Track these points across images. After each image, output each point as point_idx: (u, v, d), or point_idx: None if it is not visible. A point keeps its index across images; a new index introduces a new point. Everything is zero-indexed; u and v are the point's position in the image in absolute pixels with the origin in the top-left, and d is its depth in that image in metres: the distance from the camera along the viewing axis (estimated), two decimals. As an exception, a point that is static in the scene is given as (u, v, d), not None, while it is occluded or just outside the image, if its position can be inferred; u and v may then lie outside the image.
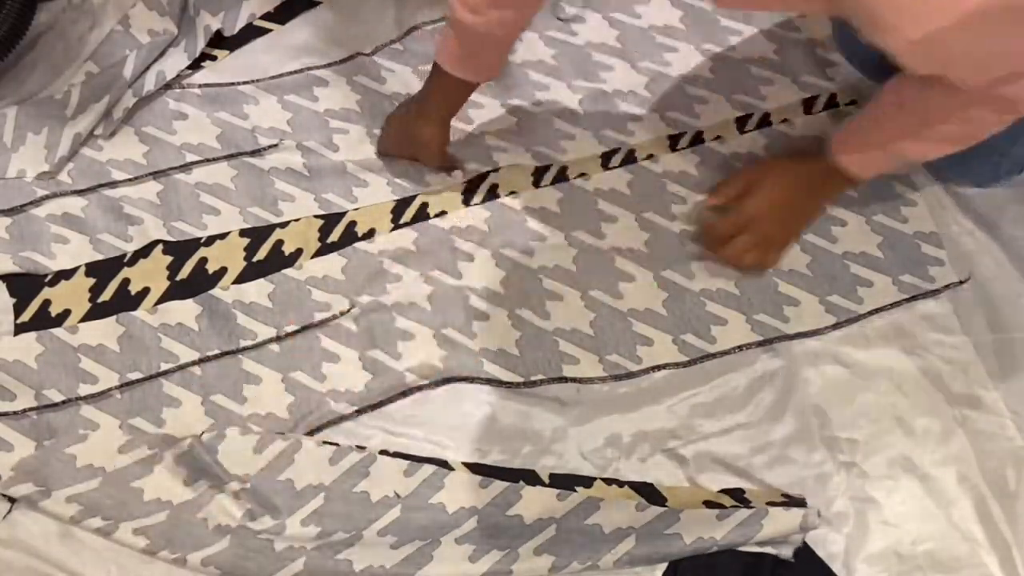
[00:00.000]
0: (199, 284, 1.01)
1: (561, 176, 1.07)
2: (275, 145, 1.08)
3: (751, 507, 0.88)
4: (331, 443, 0.93)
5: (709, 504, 0.89)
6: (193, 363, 0.97)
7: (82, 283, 1.01)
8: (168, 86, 1.12)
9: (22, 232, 1.03)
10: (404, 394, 0.96)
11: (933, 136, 0.82)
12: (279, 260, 1.03)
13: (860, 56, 1.04)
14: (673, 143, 1.08)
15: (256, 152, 1.08)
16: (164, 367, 0.96)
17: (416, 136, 1.02)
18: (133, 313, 0.99)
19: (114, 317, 0.99)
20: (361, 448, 0.93)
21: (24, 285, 1.01)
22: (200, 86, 1.12)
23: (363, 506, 0.90)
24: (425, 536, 0.88)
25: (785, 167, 0.98)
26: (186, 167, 1.07)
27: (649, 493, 0.90)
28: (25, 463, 0.91)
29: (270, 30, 1.17)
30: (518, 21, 0.90)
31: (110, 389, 0.96)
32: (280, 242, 1.03)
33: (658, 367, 0.97)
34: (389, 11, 1.19)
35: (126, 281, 1.01)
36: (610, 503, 0.88)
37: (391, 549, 0.88)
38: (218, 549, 0.88)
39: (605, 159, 1.07)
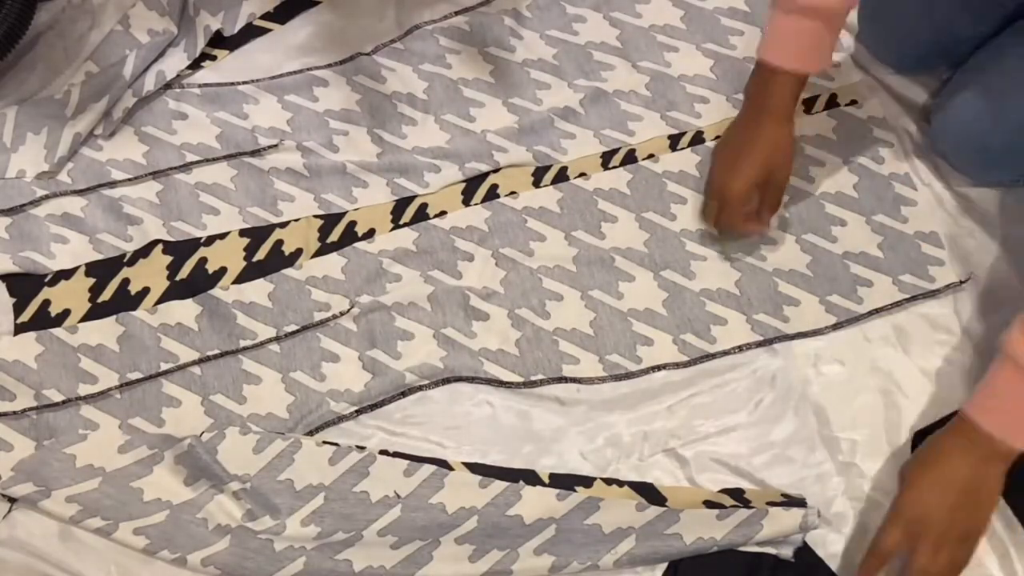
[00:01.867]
0: (199, 284, 1.01)
1: (561, 176, 1.07)
2: (275, 145, 1.08)
3: (751, 507, 0.88)
4: (331, 443, 0.93)
5: (709, 504, 0.89)
6: (193, 363, 0.97)
7: (82, 283, 1.01)
8: (168, 86, 1.12)
9: (22, 232, 1.03)
10: (404, 394, 0.96)
11: None
12: (279, 260, 1.03)
13: (891, 48, 1.07)
14: (673, 143, 1.08)
15: (256, 152, 1.08)
16: (164, 367, 0.96)
17: (778, 142, 0.93)
18: (133, 313, 0.99)
19: (114, 317, 0.99)
20: (361, 448, 0.93)
21: (24, 285, 1.01)
22: (200, 86, 1.12)
23: (363, 506, 0.90)
24: (425, 536, 0.88)
25: (935, 478, 0.80)
26: (186, 167, 1.07)
27: (649, 493, 0.90)
28: (25, 463, 0.91)
29: (270, 30, 1.17)
30: None
31: (110, 389, 0.96)
32: (280, 242, 1.03)
33: (658, 367, 0.97)
34: (389, 10, 1.19)
35: (126, 281, 1.01)
36: (610, 503, 0.88)
37: (391, 549, 0.88)
38: (218, 549, 0.88)
39: (605, 159, 1.07)
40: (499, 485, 0.90)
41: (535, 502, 0.89)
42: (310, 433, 0.94)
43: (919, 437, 0.93)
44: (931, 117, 1.04)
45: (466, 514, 0.89)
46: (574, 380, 0.96)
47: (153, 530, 0.88)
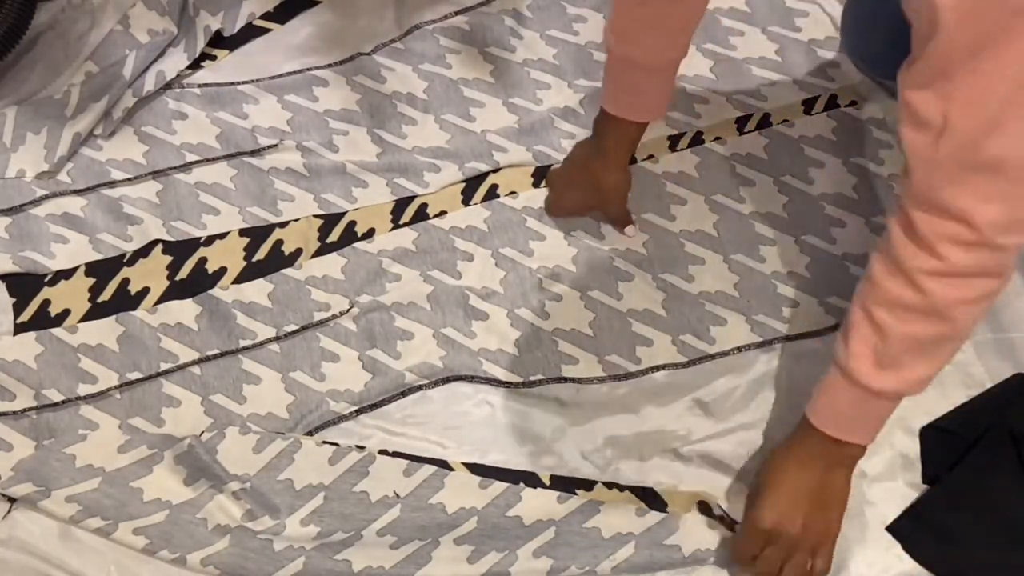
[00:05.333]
0: (199, 284, 1.01)
1: (561, 176, 1.07)
2: (275, 145, 1.08)
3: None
4: (331, 443, 0.93)
5: (711, 512, 0.89)
6: (193, 363, 0.97)
7: (82, 283, 1.01)
8: (168, 86, 1.12)
9: (21, 232, 1.03)
10: (404, 394, 0.96)
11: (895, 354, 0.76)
12: (279, 260, 1.03)
13: (869, 53, 1.06)
14: (673, 143, 1.08)
15: (256, 152, 1.08)
16: (164, 367, 0.96)
17: (601, 185, 0.99)
18: (133, 313, 0.99)
19: (114, 317, 0.99)
20: (361, 448, 0.93)
21: (24, 285, 1.01)
22: (200, 86, 1.12)
23: (362, 506, 0.90)
24: (424, 536, 0.88)
25: (784, 476, 0.83)
26: (186, 167, 1.07)
27: (650, 498, 0.90)
28: (25, 463, 0.91)
29: (270, 30, 1.17)
30: (668, 49, 0.87)
31: (110, 389, 0.96)
32: (280, 242, 1.03)
33: (657, 368, 0.97)
34: (389, 10, 1.19)
35: (126, 281, 1.01)
36: (610, 507, 0.88)
37: (390, 549, 0.88)
38: (217, 549, 0.88)
39: (605, 159, 1.07)
40: (499, 486, 0.90)
41: (535, 504, 0.89)
42: (310, 433, 0.94)
43: (926, 433, 0.93)
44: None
45: (466, 514, 0.89)
46: (573, 380, 0.96)
47: (153, 530, 0.88)
